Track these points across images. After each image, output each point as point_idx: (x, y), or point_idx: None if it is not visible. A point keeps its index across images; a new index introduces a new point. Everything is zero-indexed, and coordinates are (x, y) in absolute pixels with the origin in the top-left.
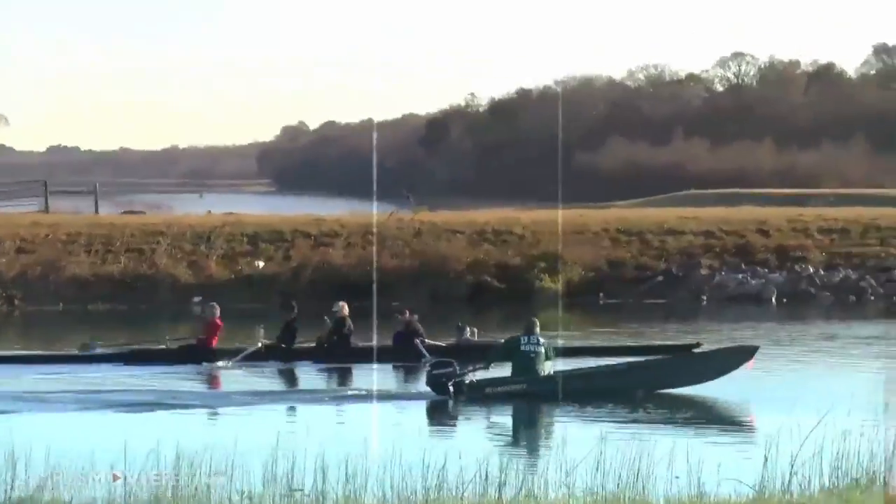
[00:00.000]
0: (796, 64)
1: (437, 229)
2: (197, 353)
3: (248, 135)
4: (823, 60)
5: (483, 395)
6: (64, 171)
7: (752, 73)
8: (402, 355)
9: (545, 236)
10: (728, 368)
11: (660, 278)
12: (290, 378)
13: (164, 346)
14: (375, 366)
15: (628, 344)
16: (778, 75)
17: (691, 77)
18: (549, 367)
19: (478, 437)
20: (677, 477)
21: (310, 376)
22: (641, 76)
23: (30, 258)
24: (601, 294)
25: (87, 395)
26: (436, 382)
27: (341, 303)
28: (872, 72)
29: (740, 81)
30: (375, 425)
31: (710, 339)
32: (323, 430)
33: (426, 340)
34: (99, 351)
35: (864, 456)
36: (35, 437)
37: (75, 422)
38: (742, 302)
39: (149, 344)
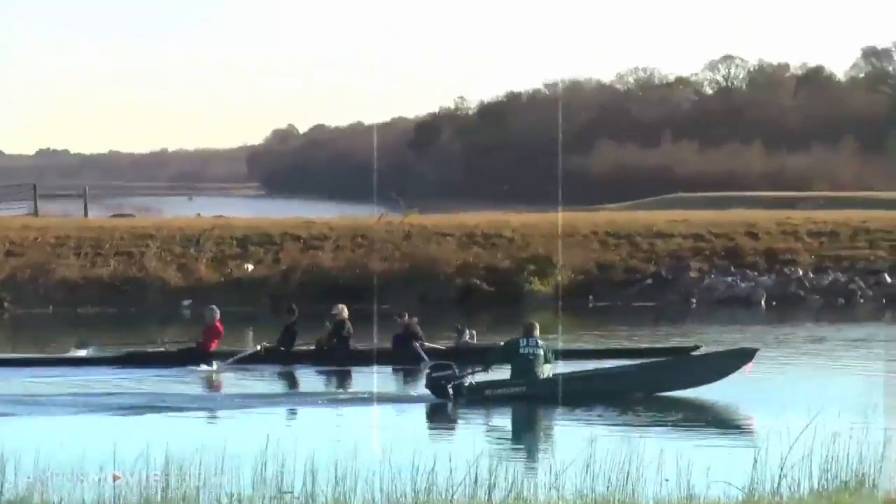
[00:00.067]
0: (785, 67)
1: (426, 232)
2: (196, 356)
3: (237, 138)
4: (812, 63)
5: (482, 398)
6: (53, 174)
7: (741, 76)
8: (401, 358)
9: (535, 239)
10: (727, 371)
11: (649, 281)
12: (289, 381)
13: (162, 349)
14: (375, 368)
15: (627, 347)
16: (767, 78)
17: (680, 80)
18: (548, 370)
19: (473, 440)
20: (667, 479)
21: (309, 379)
22: (631, 79)
23: (19, 261)
24: (591, 297)
25: (83, 397)
26: (435, 385)
27: (341, 305)
28: (861, 75)
29: (729, 84)
30: (375, 428)
31: (701, 342)
32: (316, 432)
33: (425, 343)
34: (97, 354)
35: (853, 458)
36: (27, 439)
37: (69, 424)
38: (731, 305)
39: (147, 347)
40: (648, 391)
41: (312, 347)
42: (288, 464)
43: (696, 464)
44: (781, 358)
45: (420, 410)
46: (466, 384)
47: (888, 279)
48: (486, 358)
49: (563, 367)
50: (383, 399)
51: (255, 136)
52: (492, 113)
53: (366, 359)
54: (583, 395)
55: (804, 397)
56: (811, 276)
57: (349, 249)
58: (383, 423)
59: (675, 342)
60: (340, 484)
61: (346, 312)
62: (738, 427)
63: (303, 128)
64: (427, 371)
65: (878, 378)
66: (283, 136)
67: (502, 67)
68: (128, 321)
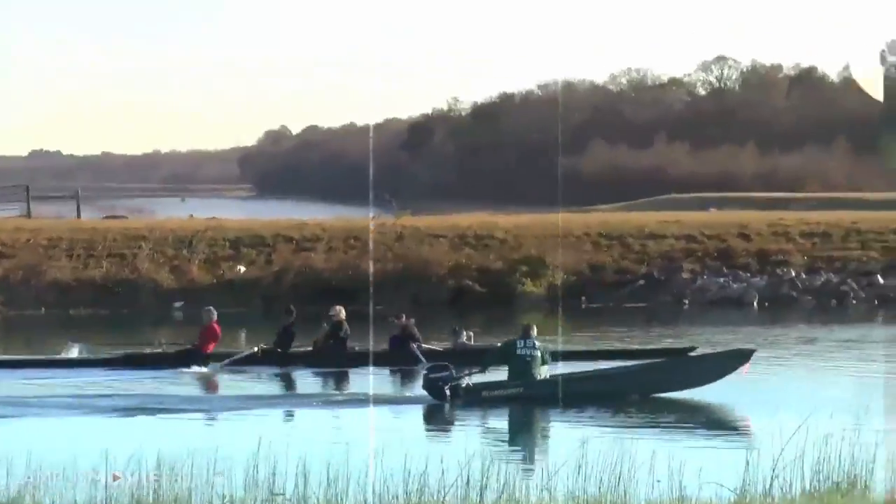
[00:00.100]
0: (778, 68)
1: (419, 233)
2: (193, 358)
3: (230, 139)
4: (805, 64)
5: (479, 399)
6: (46, 175)
7: (734, 77)
8: (398, 359)
9: (527, 240)
10: (724, 372)
11: (641, 282)
12: (286, 382)
13: (160, 351)
14: (371, 370)
15: (624, 348)
16: (760, 79)
17: (674, 81)
18: (544, 371)
19: (468, 441)
20: (659, 480)
21: (306, 380)
22: (624, 80)
23: (11, 263)
24: (583, 298)
25: (77, 399)
26: (432, 386)
27: (338, 307)
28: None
29: (723, 85)
30: (372, 430)
31: (695, 343)
32: (312, 434)
33: (422, 344)
34: (90, 355)
35: (845, 460)
36: (20, 441)
37: (63, 426)
38: (723, 306)
39: (145, 348)
40: (645, 392)
41: (309, 349)
42: (280, 465)
43: (688, 465)
44: (773, 359)
45: (417, 412)
46: (463, 385)
47: (880, 280)
48: (483, 359)
49: (560, 369)
50: (380, 400)
51: (248, 137)
52: (485, 114)
53: (363, 360)
54: (580, 396)
55: (796, 398)
56: (803, 277)
57: (342, 251)
58: (380, 425)
59: (671, 343)
60: (332, 486)
61: (343, 314)
62: (731, 428)
63: (296, 129)
64: (424, 372)
65: (870, 379)
66: (276, 138)
67: (496, 68)
68: (120, 323)
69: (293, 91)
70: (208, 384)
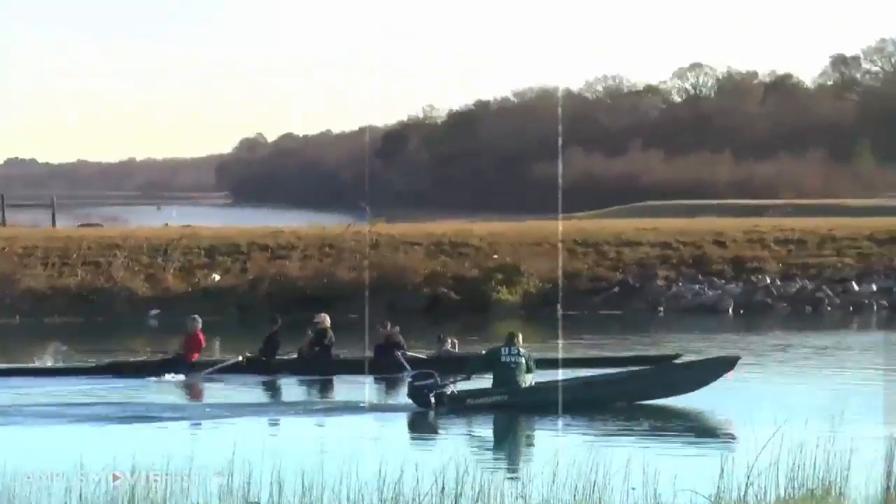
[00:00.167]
0: (754, 75)
1: (394, 241)
2: (178, 366)
3: (205, 147)
4: (781, 71)
5: (464, 407)
6: (21, 183)
7: (709, 84)
8: (383, 367)
9: (502, 248)
10: (709, 380)
11: (616, 290)
12: (270, 390)
13: (145, 359)
14: (369, 378)
15: (609, 356)
16: (735, 86)
17: (649, 88)
18: (529, 379)
19: (448, 448)
20: (633, 488)
21: (291, 389)
22: (599, 87)
23: None
24: (558, 306)
25: (62, 407)
26: (417, 394)
27: (323, 314)
28: (830, 82)
29: (698, 92)
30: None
31: (671, 350)
32: (294, 442)
33: (407, 352)
34: (66, 364)
35: (820, 467)
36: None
37: (45, 434)
38: (699, 313)
39: (129, 356)
40: (631, 400)
41: (294, 356)
42: (256, 473)
43: (663, 472)
44: (748, 366)
45: (402, 419)
46: (448, 393)
47: (855, 287)
48: (467, 367)
49: (549, 377)
50: (365, 409)
51: (224, 145)
52: (460, 122)
53: (348, 368)
54: (566, 404)
55: (771, 405)
56: (778, 284)
57: (317, 259)
58: (364, 433)
59: (656, 351)
60: (307, 493)
61: (328, 321)
62: (706, 435)
63: (271, 136)
64: (409, 380)
65: (845, 386)
66: (252, 145)
67: (471, 76)
68: (95, 331)
69: (262, 100)
70: (193, 392)
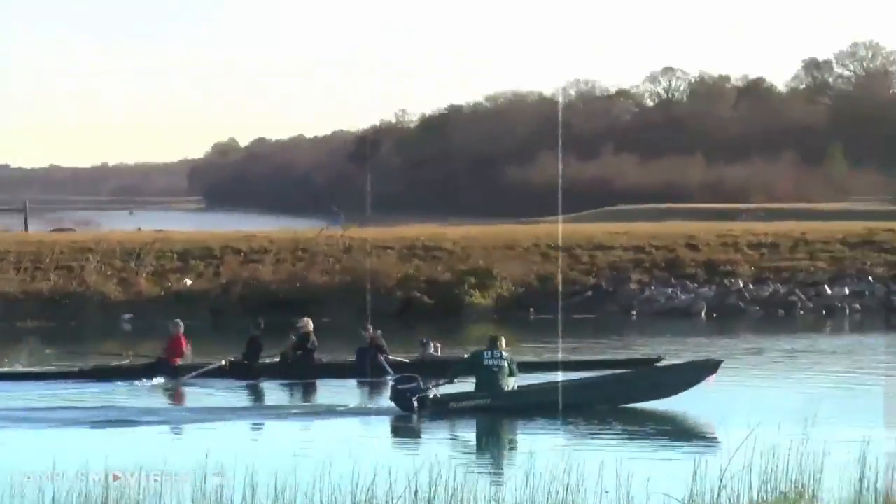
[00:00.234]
0: (726, 79)
1: (366, 245)
2: (161, 370)
3: (178, 151)
4: (753, 75)
5: (447, 410)
6: None
7: (682, 87)
8: (366, 371)
9: (475, 251)
10: (691, 383)
11: (589, 293)
12: (253, 394)
13: (127, 363)
14: (352, 381)
15: (592, 359)
16: (708, 90)
17: (621, 92)
18: (512, 382)
19: (428, 452)
20: (607, 491)
21: (273, 392)
22: (572, 92)
23: None
24: (531, 309)
25: (44, 411)
26: (400, 397)
27: (306, 318)
28: (802, 86)
29: (670, 96)
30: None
31: (643, 354)
32: (271, 445)
33: (389, 356)
34: (55, 368)
35: (793, 470)
36: None
37: (23, 437)
38: (671, 316)
39: (111, 360)
40: (615, 403)
41: (277, 360)
42: (230, 476)
43: (636, 475)
44: (722, 369)
45: (385, 423)
46: (431, 396)
47: (828, 291)
48: (450, 370)
49: (533, 379)
50: (348, 412)
51: (196, 149)
52: (433, 126)
53: (331, 371)
54: (549, 406)
55: (744, 408)
56: (751, 287)
57: (290, 263)
58: (346, 436)
59: (629, 354)
60: (280, 497)
61: (310, 325)
62: (679, 438)
63: (244, 141)
64: (392, 383)
65: (817, 389)
66: (224, 150)
67: (444, 80)
68: (68, 335)
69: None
70: (175, 396)
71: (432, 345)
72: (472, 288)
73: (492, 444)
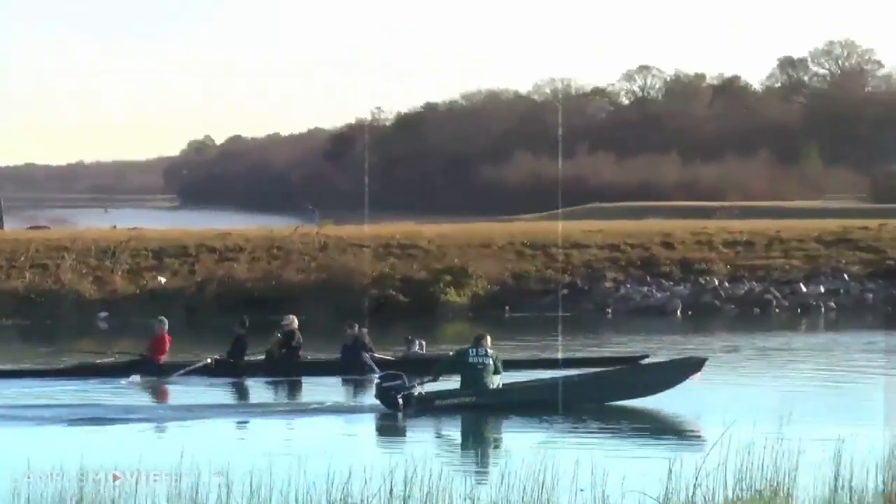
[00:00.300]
0: (702, 77)
1: (342, 243)
2: (145, 368)
3: (153, 149)
4: (729, 73)
5: (432, 408)
6: None
7: (657, 86)
8: (350, 368)
9: (450, 250)
10: (676, 380)
11: (564, 291)
12: (238, 392)
13: (111, 360)
14: (337, 379)
15: (577, 356)
16: (683, 88)
17: (597, 91)
18: (497, 380)
19: (406, 450)
20: (582, 489)
21: (258, 390)
22: (547, 90)
23: None
24: (506, 308)
25: (25, 409)
26: (384, 395)
27: (291, 316)
28: (777, 84)
29: (646, 95)
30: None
31: (618, 352)
32: (250, 443)
33: (375, 353)
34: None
35: (768, 468)
36: None
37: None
38: (647, 314)
39: (95, 357)
40: (600, 401)
41: (262, 358)
42: (206, 475)
43: (611, 473)
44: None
45: (370, 421)
46: (416, 394)
47: (803, 289)
48: (435, 368)
49: (521, 377)
50: (333, 410)
51: (172, 147)
52: (408, 124)
53: (316, 369)
54: (534, 405)
55: (719, 407)
56: (726, 285)
57: (265, 261)
58: (329, 434)
59: (623, 352)
60: (255, 495)
61: (295, 323)
62: (654, 436)
63: (219, 139)
64: (377, 381)
65: (792, 388)
66: (200, 148)
67: (419, 78)
68: (43, 333)
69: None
70: (159, 394)
71: (417, 342)
72: (448, 286)
73: (474, 442)
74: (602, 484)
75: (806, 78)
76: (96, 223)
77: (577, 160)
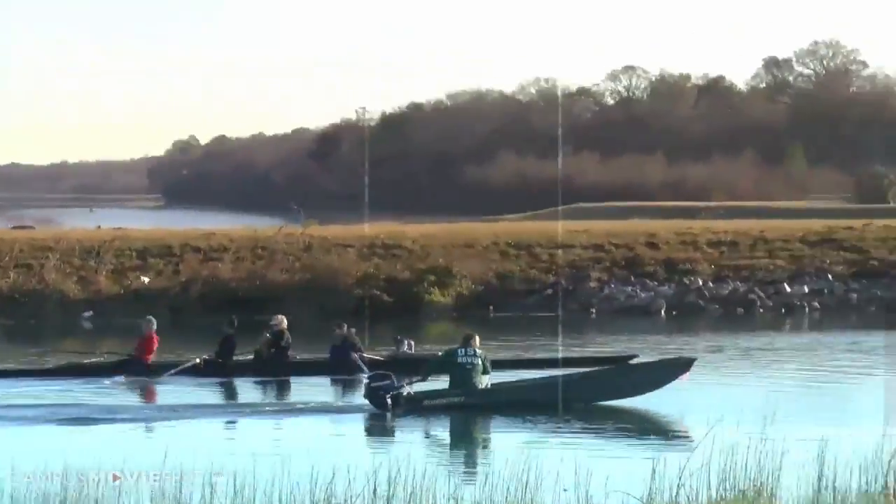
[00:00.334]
0: (687, 77)
1: (326, 243)
2: (133, 368)
3: (138, 149)
4: (714, 74)
5: (421, 408)
6: None
7: (643, 86)
8: (339, 368)
9: (434, 250)
10: (665, 380)
11: (549, 291)
12: (227, 392)
13: (99, 360)
14: (326, 379)
15: (566, 356)
16: (669, 88)
17: (582, 91)
18: (485, 380)
19: (393, 450)
20: (565, 489)
21: (247, 390)
22: (532, 90)
23: None
24: (491, 307)
25: (13, 409)
26: (373, 395)
27: (280, 316)
28: (762, 85)
29: (631, 95)
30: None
31: (602, 352)
32: (236, 444)
33: (363, 353)
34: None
35: (751, 468)
36: None
37: None
38: (631, 314)
39: (83, 358)
40: (589, 401)
41: (251, 358)
42: (189, 475)
43: (595, 473)
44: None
45: (358, 421)
46: (405, 394)
47: (787, 289)
48: (424, 368)
49: (509, 377)
50: (321, 410)
51: (157, 147)
52: (393, 124)
53: (305, 369)
54: (523, 404)
55: (703, 407)
56: (711, 285)
57: (249, 261)
58: (317, 434)
59: (612, 351)
60: (239, 495)
61: (284, 323)
62: (638, 436)
63: (204, 139)
64: (365, 381)
65: (776, 388)
66: (184, 148)
67: (404, 78)
68: (27, 333)
69: (195, 102)
70: (148, 394)
71: (406, 342)
72: (432, 286)
73: (462, 442)
74: (586, 484)
75: (791, 78)
76: (81, 223)
77: (562, 160)
